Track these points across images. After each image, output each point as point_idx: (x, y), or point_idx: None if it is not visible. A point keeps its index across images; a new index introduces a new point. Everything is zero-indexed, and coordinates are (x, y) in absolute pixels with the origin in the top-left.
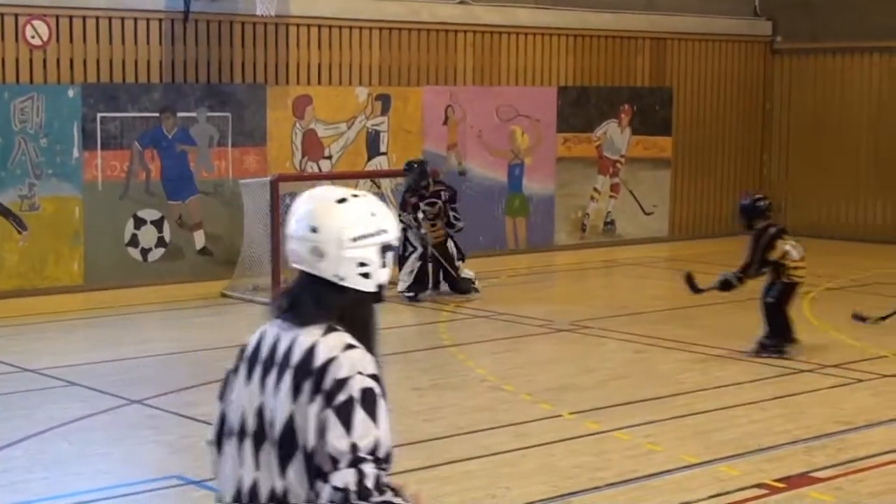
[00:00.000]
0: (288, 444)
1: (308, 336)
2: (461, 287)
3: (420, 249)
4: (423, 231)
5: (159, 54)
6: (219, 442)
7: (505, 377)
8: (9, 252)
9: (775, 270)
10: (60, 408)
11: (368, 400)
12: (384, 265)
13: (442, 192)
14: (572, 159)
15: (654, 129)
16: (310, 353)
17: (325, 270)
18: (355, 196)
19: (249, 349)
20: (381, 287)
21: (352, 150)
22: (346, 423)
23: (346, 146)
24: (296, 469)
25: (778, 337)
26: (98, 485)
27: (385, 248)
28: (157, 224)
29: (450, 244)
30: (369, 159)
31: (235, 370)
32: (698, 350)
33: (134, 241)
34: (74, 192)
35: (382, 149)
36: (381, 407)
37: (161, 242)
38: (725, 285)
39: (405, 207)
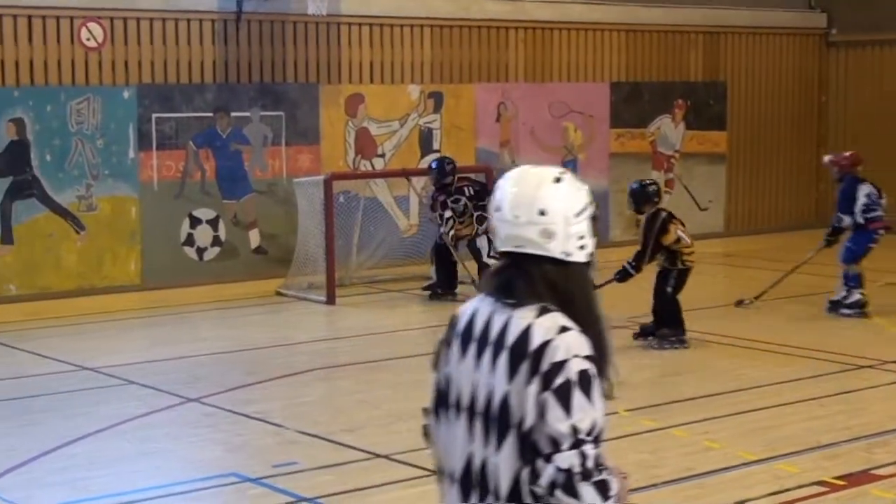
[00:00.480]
0: (504, 421)
1: (522, 317)
2: None
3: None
4: (443, 230)
5: (213, 55)
6: (436, 412)
7: None
8: (67, 252)
9: (670, 257)
10: (119, 406)
11: (585, 382)
12: (593, 235)
13: (466, 188)
14: (626, 155)
15: (709, 123)
16: (525, 334)
17: (554, 249)
18: (562, 173)
19: (461, 325)
20: (591, 255)
21: (405, 148)
22: (566, 406)
23: (399, 144)
24: (510, 445)
25: (675, 326)
26: (156, 482)
27: (593, 219)
28: (213, 223)
29: (482, 240)
30: (422, 157)
31: (447, 342)
32: (756, 346)
33: (190, 241)
34: (131, 193)
35: (435, 146)
36: (596, 387)
37: (216, 241)
38: (623, 276)
39: (434, 206)
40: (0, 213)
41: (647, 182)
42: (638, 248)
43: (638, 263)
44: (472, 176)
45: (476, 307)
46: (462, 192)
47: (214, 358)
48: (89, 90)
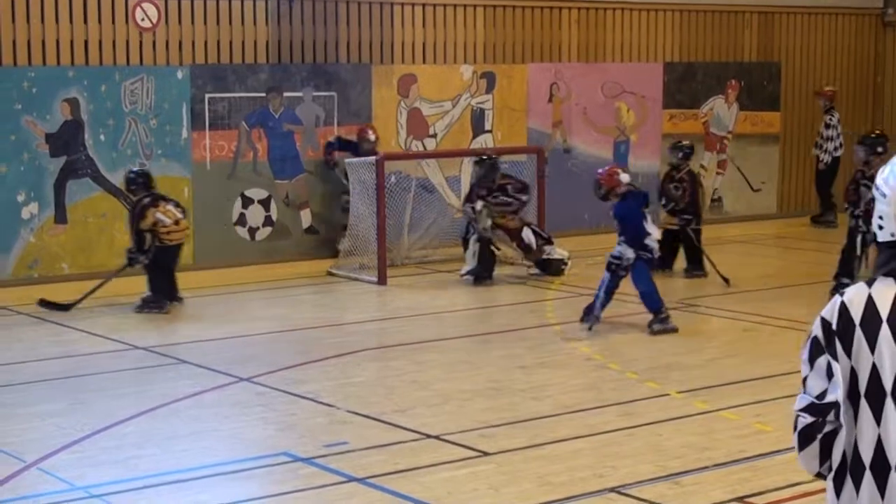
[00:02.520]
0: None
1: None
2: (551, 270)
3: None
4: (479, 225)
5: (266, 35)
6: (851, 403)
7: (610, 356)
8: (120, 232)
9: (153, 237)
10: (170, 385)
11: None
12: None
13: (508, 186)
14: (678, 136)
15: (762, 104)
16: None
17: None
18: None
19: (860, 312)
20: None
21: (456, 129)
22: None
23: (451, 124)
24: None
25: (159, 293)
26: (207, 461)
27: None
28: (265, 203)
29: (526, 232)
30: (474, 137)
31: (832, 331)
32: (809, 328)
33: (241, 221)
34: (183, 173)
35: (487, 127)
36: None
37: (268, 221)
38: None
39: (471, 198)
40: (54, 192)
41: (135, 171)
42: None
43: None
44: (515, 176)
45: (868, 292)
46: (504, 190)
47: (266, 337)
48: (143, 70)
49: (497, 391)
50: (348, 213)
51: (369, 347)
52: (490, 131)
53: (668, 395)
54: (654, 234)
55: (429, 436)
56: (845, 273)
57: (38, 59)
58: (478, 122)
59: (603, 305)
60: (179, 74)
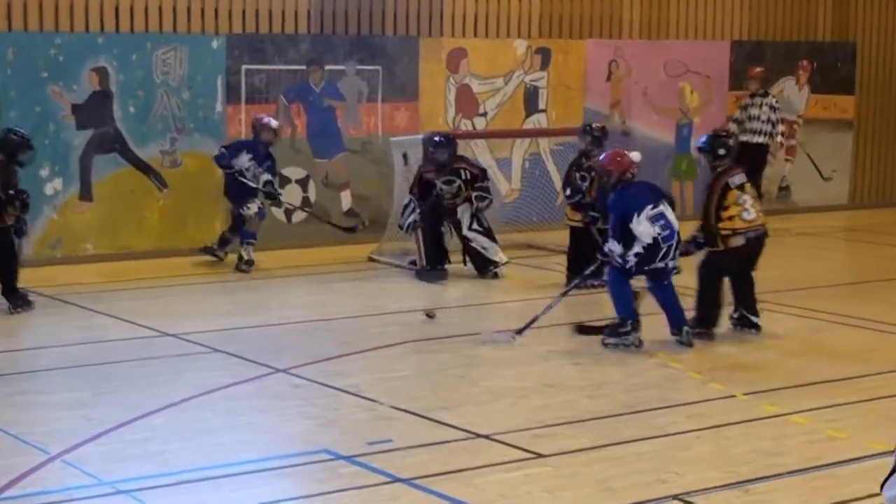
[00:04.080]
0: None
1: None
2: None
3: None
4: (406, 219)
5: (307, 4)
6: None
7: (673, 353)
8: (149, 210)
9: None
10: (203, 375)
11: None
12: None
13: (462, 171)
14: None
15: (835, 87)
16: None
17: None
18: None
19: None
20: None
21: (508, 107)
22: None
23: (503, 102)
24: None
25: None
26: (241, 457)
27: None
28: (303, 183)
29: (464, 213)
30: (527, 117)
31: None
32: (886, 328)
33: (278, 202)
34: (217, 149)
35: (541, 106)
36: None
37: (306, 203)
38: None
39: (418, 185)
40: (80, 167)
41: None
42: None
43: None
44: (471, 159)
45: None
46: (458, 174)
47: (303, 326)
48: (176, 39)
49: (551, 388)
50: (243, 221)
51: (413, 339)
52: (544, 111)
53: (734, 396)
54: (645, 236)
55: (478, 435)
56: None
57: (65, 24)
58: (531, 101)
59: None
60: (214, 44)
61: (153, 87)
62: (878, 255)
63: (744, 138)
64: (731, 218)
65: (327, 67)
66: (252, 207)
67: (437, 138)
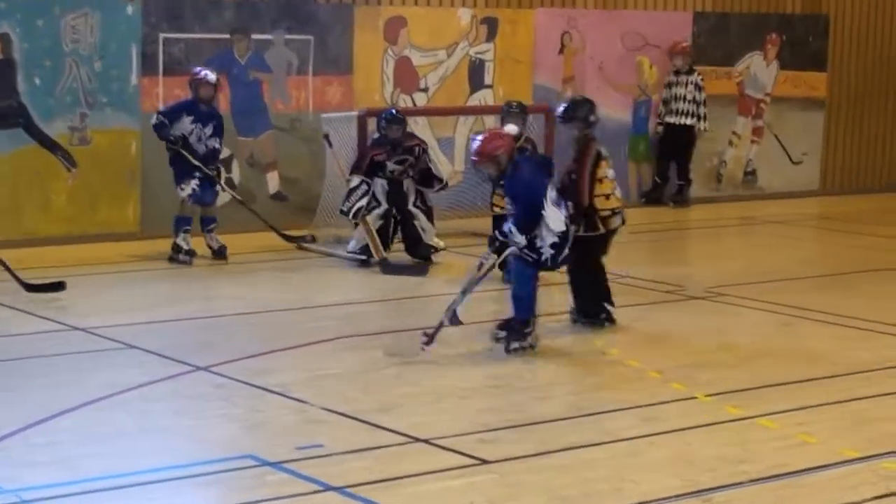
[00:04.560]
0: None
1: None
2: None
3: (385, 206)
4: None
5: None
6: None
7: (629, 351)
8: (55, 192)
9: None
10: (116, 373)
11: None
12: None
13: (416, 148)
14: (709, 98)
15: (806, 63)
16: None
17: None
18: None
19: None
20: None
21: (451, 82)
22: None
23: (445, 77)
24: None
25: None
26: (158, 464)
27: None
28: (225, 163)
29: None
30: (472, 93)
31: None
32: (860, 324)
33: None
34: (131, 125)
35: (487, 81)
36: None
37: (229, 185)
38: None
39: (364, 164)
40: None
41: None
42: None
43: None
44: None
45: None
46: (412, 151)
47: (226, 321)
48: (87, 3)
49: (497, 389)
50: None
51: (346, 335)
52: (490, 86)
53: (695, 398)
54: (555, 223)
55: (418, 439)
56: None
57: None
58: (476, 76)
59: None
60: (129, 10)
61: (61, 57)
62: (851, 244)
63: (669, 120)
64: (608, 196)
65: (253, 37)
66: (186, 188)
67: (391, 112)
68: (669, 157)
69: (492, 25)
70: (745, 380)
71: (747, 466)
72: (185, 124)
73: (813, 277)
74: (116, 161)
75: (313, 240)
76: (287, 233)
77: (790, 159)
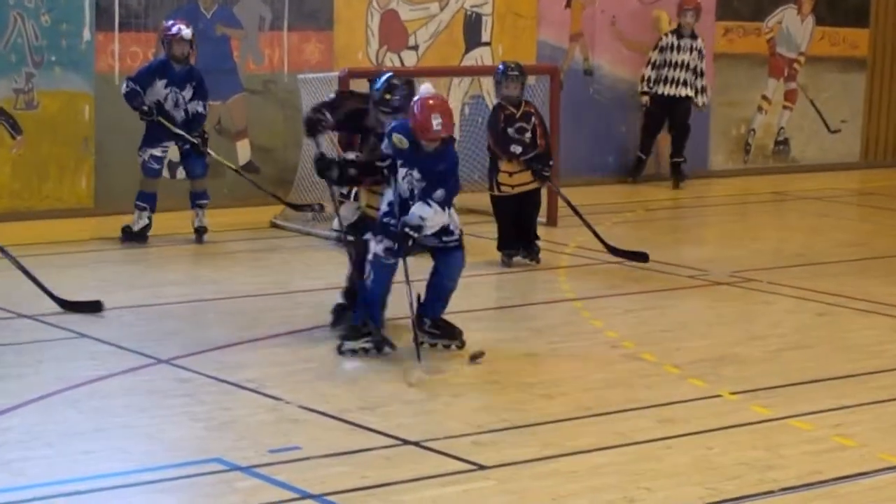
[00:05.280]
0: None
1: None
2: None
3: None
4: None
5: None
6: None
7: (644, 343)
8: (7, 163)
9: None
10: (67, 366)
11: None
12: None
13: None
14: (735, 57)
15: (846, 18)
16: None
17: None
18: None
19: None
20: None
21: (444, 39)
22: None
23: (437, 33)
24: None
25: None
26: (115, 468)
27: None
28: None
29: None
30: (467, 51)
31: None
32: None
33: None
34: (84, 87)
35: (485, 38)
36: None
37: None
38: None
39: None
40: None
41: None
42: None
43: None
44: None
45: None
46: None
47: (191, 307)
48: None
49: (495, 385)
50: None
51: (327, 323)
52: (488, 44)
53: (719, 396)
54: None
55: (406, 441)
56: None
57: None
58: (472, 32)
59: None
60: None
61: (3, 9)
62: (890, 224)
63: (663, 90)
64: None
65: None
66: (144, 155)
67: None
68: (656, 131)
69: None
70: (774, 376)
71: (776, 473)
72: (159, 89)
73: (852, 261)
74: (67, 127)
75: (321, 209)
76: (294, 202)
77: (827, 127)
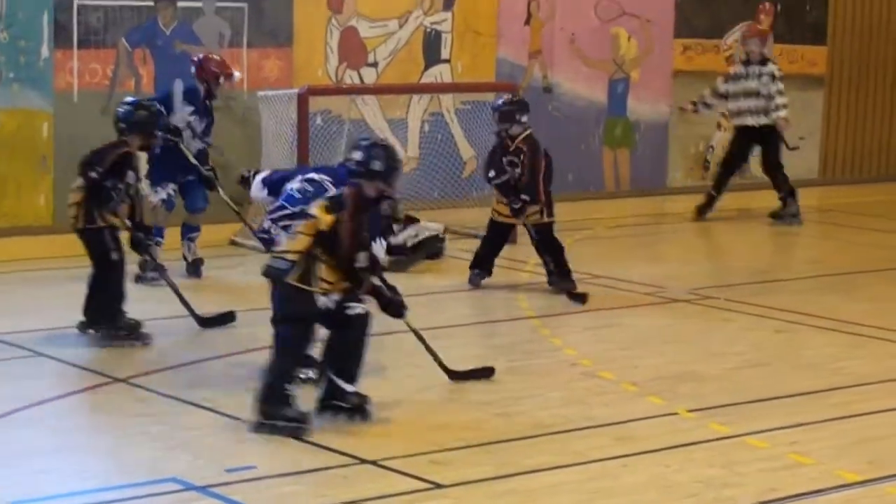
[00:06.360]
0: None
1: None
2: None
3: None
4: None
5: None
6: None
7: (602, 361)
8: None
9: None
10: (23, 385)
11: None
12: None
13: None
14: (693, 74)
15: (804, 36)
16: None
17: None
18: None
19: None
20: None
21: (404, 56)
22: None
23: (397, 51)
24: None
25: None
26: (73, 487)
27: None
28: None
29: None
30: (426, 69)
31: None
32: (862, 330)
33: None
34: (42, 104)
35: (444, 55)
36: None
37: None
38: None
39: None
40: None
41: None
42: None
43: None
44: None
45: None
46: None
47: (149, 326)
48: None
49: (452, 403)
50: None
51: None
52: (448, 61)
53: (676, 413)
54: None
55: (363, 460)
56: None
57: None
58: (432, 49)
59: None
60: None
61: None
62: (855, 241)
63: (743, 122)
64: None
65: (180, 4)
66: (161, 193)
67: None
68: (735, 167)
69: None
70: (731, 393)
71: (733, 491)
72: (184, 114)
73: (810, 278)
74: (26, 145)
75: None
76: None
77: (786, 144)
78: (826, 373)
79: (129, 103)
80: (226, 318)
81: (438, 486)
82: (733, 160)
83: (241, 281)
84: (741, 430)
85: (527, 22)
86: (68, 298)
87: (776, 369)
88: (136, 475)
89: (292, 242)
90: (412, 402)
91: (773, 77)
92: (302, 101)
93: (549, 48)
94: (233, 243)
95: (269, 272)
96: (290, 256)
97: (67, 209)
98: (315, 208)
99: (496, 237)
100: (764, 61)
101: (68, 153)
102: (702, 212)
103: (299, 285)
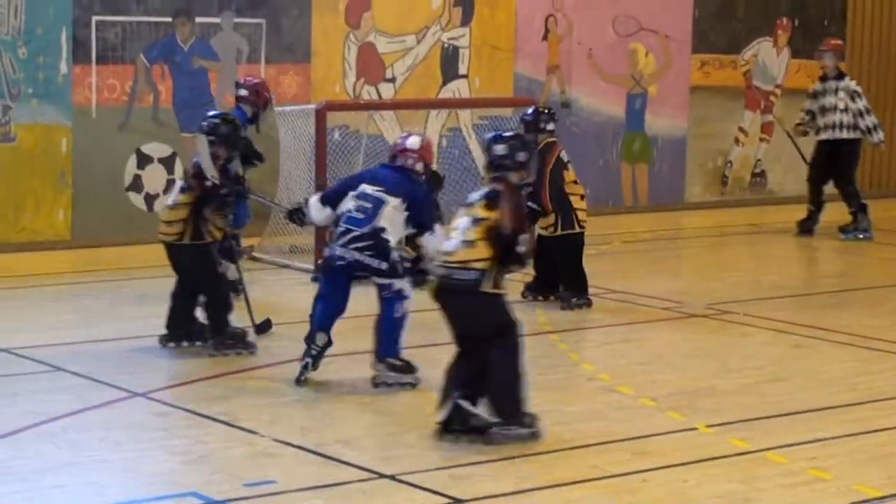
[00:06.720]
0: None
1: None
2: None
3: None
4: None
5: None
6: None
7: (621, 376)
8: None
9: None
10: (42, 400)
11: None
12: None
13: None
14: (711, 89)
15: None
16: None
17: None
18: None
19: None
20: None
21: (421, 72)
22: None
23: (415, 66)
24: None
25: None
26: (90, 502)
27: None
28: (167, 162)
29: None
30: (444, 84)
31: None
32: (881, 346)
33: (136, 185)
34: (61, 120)
35: (462, 70)
36: None
37: (171, 186)
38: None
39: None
40: None
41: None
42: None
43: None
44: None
45: None
46: None
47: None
48: None
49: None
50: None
51: (301, 356)
52: (465, 76)
53: (695, 428)
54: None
55: (382, 475)
56: None
57: None
58: (450, 64)
59: None
60: None
61: None
62: (874, 256)
63: (821, 136)
64: (582, 197)
65: (198, 20)
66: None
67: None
68: (821, 181)
69: (467, 7)
70: (750, 408)
71: None
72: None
73: (829, 293)
74: (45, 161)
75: None
76: None
77: (804, 159)
78: (844, 388)
79: (213, 116)
80: (265, 326)
81: (458, 500)
82: (817, 174)
83: (258, 294)
84: (760, 445)
85: (544, 37)
86: (86, 313)
87: (794, 384)
88: (155, 490)
89: (473, 251)
90: (430, 415)
91: (851, 94)
92: (320, 116)
93: (566, 63)
94: (251, 258)
95: (452, 284)
96: (478, 265)
97: (165, 226)
98: (478, 210)
99: (542, 252)
100: (840, 75)
101: (87, 168)
102: (805, 227)
103: (497, 291)
